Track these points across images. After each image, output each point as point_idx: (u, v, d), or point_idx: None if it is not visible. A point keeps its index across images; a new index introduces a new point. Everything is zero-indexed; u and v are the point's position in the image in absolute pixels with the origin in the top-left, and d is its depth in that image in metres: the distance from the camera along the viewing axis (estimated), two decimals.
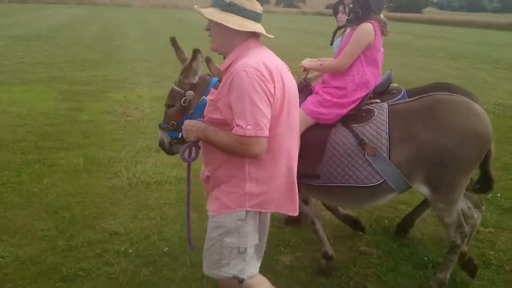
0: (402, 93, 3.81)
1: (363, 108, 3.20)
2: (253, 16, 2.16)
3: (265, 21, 2.32)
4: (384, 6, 3.85)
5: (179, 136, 2.99)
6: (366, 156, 3.00)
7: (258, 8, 2.19)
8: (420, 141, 2.94)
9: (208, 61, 3.27)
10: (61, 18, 32.74)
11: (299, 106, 2.58)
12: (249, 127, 2.01)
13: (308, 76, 3.60)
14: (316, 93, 3.26)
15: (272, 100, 2.07)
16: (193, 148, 2.42)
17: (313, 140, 3.10)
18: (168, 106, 3.08)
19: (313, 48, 18.47)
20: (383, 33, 3.25)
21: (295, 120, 2.27)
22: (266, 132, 2.05)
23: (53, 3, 55.46)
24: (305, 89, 3.35)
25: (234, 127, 2.05)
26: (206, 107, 2.28)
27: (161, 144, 3.18)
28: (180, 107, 2.98)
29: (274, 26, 31.01)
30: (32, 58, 13.45)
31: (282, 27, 32.56)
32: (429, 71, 14.30)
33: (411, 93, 3.68)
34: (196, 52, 2.77)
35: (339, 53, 3.27)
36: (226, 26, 2.10)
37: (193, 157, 2.45)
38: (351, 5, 3.21)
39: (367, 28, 3.14)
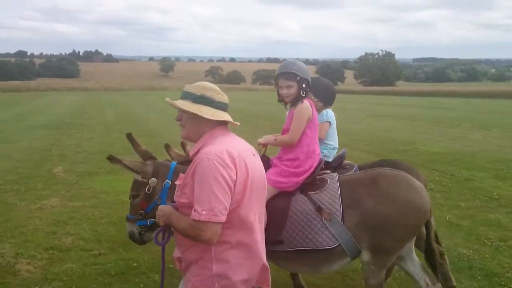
0: (354, 168, 4.33)
1: (317, 177, 3.57)
2: (222, 107, 2.41)
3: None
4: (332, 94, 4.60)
5: (148, 223, 3.26)
6: (323, 221, 3.28)
7: (225, 99, 2.46)
8: (365, 208, 3.27)
9: (167, 147, 3.72)
10: (67, 104, 33.06)
11: None
12: (204, 212, 2.12)
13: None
14: (275, 166, 3.60)
15: (232, 186, 2.19)
16: (166, 232, 2.51)
17: (276, 209, 3.34)
18: (133, 197, 3.34)
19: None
20: (317, 109, 3.81)
21: (260, 203, 2.42)
22: (221, 218, 2.14)
23: (44, 90, 56.20)
24: (265, 163, 3.56)
25: (192, 211, 2.16)
26: (176, 191, 2.42)
27: (131, 236, 3.38)
28: (145, 195, 3.24)
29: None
30: (88, 146, 13.49)
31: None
32: (482, 142, 14.57)
33: (361, 168, 4.18)
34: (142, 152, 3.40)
35: (285, 130, 3.68)
36: (197, 116, 2.32)
37: (165, 240, 2.52)
38: (297, 85, 3.57)
39: (305, 104, 3.56)
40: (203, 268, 2.26)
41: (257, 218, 2.37)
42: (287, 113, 3.81)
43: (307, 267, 3.50)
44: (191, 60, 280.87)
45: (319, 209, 3.32)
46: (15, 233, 6.14)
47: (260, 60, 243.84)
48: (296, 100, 3.58)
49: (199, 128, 2.38)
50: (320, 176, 3.59)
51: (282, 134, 3.73)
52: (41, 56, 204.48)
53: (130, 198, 3.37)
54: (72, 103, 34.31)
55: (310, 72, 3.69)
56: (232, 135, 2.43)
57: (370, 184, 3.36)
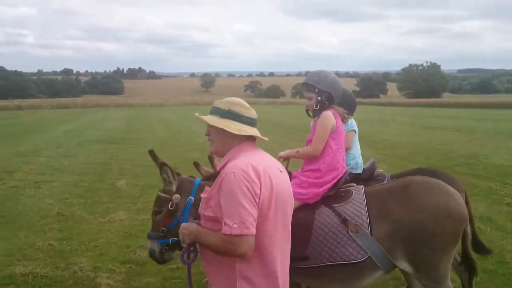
0: (387, 178, 4.14)
1: (341, 189, 3.46)
2: (250, 122, 2.40)
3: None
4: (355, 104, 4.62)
5: (170, 242, 3.15)
6: (349, 233, 3.15)
7: (253, 114, 2.44)
8: (396, 218, 3.11)
9: (196, 165, 3.77)
10: (117, 120, 33.94)
11: None
12: (235, 225, 2.10)
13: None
14: (294, 177, 3.49)
15: (257, 200, 2.17)
16: (191, 251, 2.48)
17: (299, 223, 3.14)
18: (156, 213, 3.23)
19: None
20: (343, 119, 3.65)
21: (285, 219, 2.36)
22: (253, 230, 2.13)
23: (92, 107, 57.99)
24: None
25: (223, 225, 2.14)
26: (200, 204, 2.38)
27: (152, 254, 3.26)
28: (167, 212, 3.14)
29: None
30: (145, 160, 13.47)
31: None
32: None
33: (394, 177, 3.92)
34: (161, 165, 3.13)
35: (309, 140, 3.61)
36: (225, 131, 2.33)
37: (192, 259, 2.50)
38: (318, 98, 3.56)
39: (328, 115, 3.50)
40: (229, 286, 2.26)
41: (285, 235, 2.37)
42: (311, 123, 3.78)
43: (337, 283, 3.34)
44: (230, 75, 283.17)
45: (344, 221, 3.20)
46: (89, 246, 6.15)
47: (299, 74, 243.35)
48: (318, 110, 3.56)
49: (227, 143, 2.40)
50: (345, 188, 3.49)
51: (306, 145, 3.65)
52: (86, 73, 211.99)
53: (152, 215, 3.30)
54: (121, 119, 35.16)
55: (338, 84, 3.63)
56: (259, 150, 2.43)
57: (400, 192, 3.23)
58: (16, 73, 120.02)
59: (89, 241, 6.32)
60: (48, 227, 7.00)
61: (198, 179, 3.37)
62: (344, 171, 3.55)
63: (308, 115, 3.75)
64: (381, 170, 4.45)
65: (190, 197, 3.13)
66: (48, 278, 5.09)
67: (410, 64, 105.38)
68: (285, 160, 3.79)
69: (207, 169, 3.87)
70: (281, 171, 2.40)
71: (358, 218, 3.18)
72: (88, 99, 74.10)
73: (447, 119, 31.83)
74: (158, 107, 59.63)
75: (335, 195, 3.42)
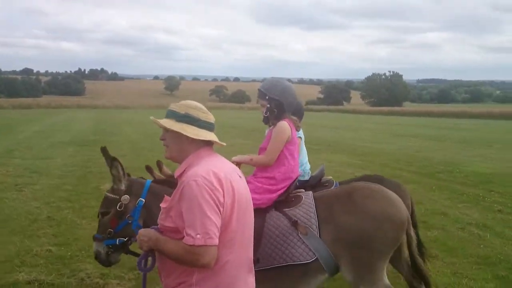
0: (335, 184, 4.25)
1: (292, 194, 3.55)
2: (207, 126, 2.33)
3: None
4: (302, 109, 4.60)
5: (117, 242, 3.11)
6: (299, 235, 3.23)
7: (211, 118, 2.37)
8: (340, 222, 3.23)
9: (149, 169, 3.68)
10: (84, 121, 33.03)
11: None
12: (198, 236, 2.04)
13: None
14: (248, 182, 3.48)
15: (221, 209, 2.12)
16: (149, 258, 2.39)
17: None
18: (103, 214, 3.17)
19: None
20: (296, 128, 3.72)
21: (247, 226, 2.32)
22: (216, 241, 2.08)
23: (55, 107, 56.33)
24: None
25: (184, 236, 2.08)
26: (160, 214, 2.30)
27: (97, 256, 3.21)
28: (115, 213, 3.10)
29: None
30: (124, 163, 13.25)
31: None
32: None
33: (342, 184, 4.04)
34: (112, 160, 3.08)
35: (262, 148, 3.66)
36: (182, 136, 2.26)
37: (150, 267, 2.41)
38: (268, 105, 3.59)
39: (284, 125, 3.55)
40: None
41: (244, 242, 2.31)
42: (266, 131, 3.76)
43: (285, 285, 3.36)
44: (195, 79, 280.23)
45: (294, 224, 3.28)
46: (89, 252, 5.86)
47: (264, 80, 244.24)
48: (268, 118, 3.60)
49: (184, 148, 2.31)
50: (294, 194, 3.57)
51: (259, 153, 3.68)
52: (46, 73, 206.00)
53: (98, 216, 3.22)
54: (88, 120, 34.34)
55: (289, 93, 3.62)
56: (217, 156, 2.36)
57: (345, 198, 3.35)
58: None
59: (88, 247, 6.03)
60: (41, 231, 6.68)
61: (149, 180, 3.33)
62: (295, 178, 3.62)
63: (263, 121, 3.74)
64: (330, 177, 4.51)
65: (141, 198, 3.12)
66: (55, 286, 4.87)
67: (373, 73, 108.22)
68: (237, 165, 3.68)
69: (158, 174, 3.81)
70: (240, 177, 2.36)
71: (308, 221, 3.27)
72: (51, 99, 71.80)
73: (413, 127, 32.72)
74: (123, 109, 58.41)
75: (285, 200, 3.49)
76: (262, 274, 3.20)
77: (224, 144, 2.39)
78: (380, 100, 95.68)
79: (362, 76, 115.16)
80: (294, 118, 3.73)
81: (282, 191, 3.51)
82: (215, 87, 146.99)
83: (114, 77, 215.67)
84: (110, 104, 64.84)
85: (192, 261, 2.08)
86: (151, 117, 2.42)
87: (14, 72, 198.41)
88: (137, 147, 17.41)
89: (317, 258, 3.20)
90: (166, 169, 3.76)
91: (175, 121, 2.28)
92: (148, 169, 3.75)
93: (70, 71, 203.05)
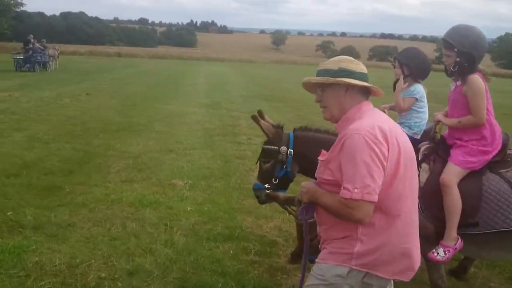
0: None
1: (506, 154, 3.34)
2: (363, 78, 2.24)
3: None
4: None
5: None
6: None
7: (364, 69, 2.28)
8: None
9: (261, 114, 3.65)
10: (227, 75, 33.33)
11: (447, 158, 3.34)
12: (356, 190, 2.01)
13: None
14: (460, 146, 3.36)
15: (385, 163, 2.06)
16: (309, 208, 2.38)
17: (468, 190, 3.20)
18: (264, 163, 3.58)
19: None
20: (487, 80, 3.39)
21: (413, 181, 2.23)
22: (374, 197, 2.02)
23: (186, 59, 57.72)
24: (442, 142, 3.53)
25: (342, 189, 2.04)
26: (318, 167, 2.30)
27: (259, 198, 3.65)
28: (276, 163, 3.53)
29: None
30: None
31: None
32: None
33: None
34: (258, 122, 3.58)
35: (451, 106, 3.50)
36: (341, 91, 2.23)
37: (310, 216, 2.39)
38: (457, 59, 3.30)
39: (479, 80, 3.29)
40: (346, 243, 2.16)
41: (409, 201, 2.20)
42: (452, 86, 3.52)
43: (501, 251, 3.34)
44: (300, 33, 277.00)
45: None
46: None
47: (373, 36, 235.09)
48: (461, 73, 3.35)
49: (344, 104, 2.25)
50: (510, 154, 3.39)
51: (449, 109, 3.56)
52: (160, 24, 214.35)
53: (259, 164, 3.63)
54: (220, 75, 34.40)
55: (482, 43, 3.34)
56: (378, 110, 2.31)
57: None
58: (96, 19, 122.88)
59: None
60: None
61: (291, 132, 3.59)
62: (501, 135, 3.42)
63: (446, 73, 3.52)
64: None
65: (290, 149, 3.48)
66: None
67: (506, 33, 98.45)
68: (437, 123, 3.62)
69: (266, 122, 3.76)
70: (402, 132, 2.28)
71: None
72: (181, 51, 73.61)
73: None
74: (245, 63, 58.32)
75: (501, 160, 3.35)
76: (483, 238, 3.24)
77: (383, 93, 2.30)
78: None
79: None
80: (484, 69, 3.44)
81: (495, 151, 3.33)
82: (321, 42, 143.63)
83: (224, 30, 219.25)
84: (234, 58, 64.98)
85: (345, 215, 2.08)
86: (305, 79, 2.35)
87: (130, 21, 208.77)
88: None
89: None
90: (267, 118, 3.76)
91: (329, 77, 2.23)
92: (259, 115, 3.69)
93: (182, 23, 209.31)
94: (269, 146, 3.52)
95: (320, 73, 2.29)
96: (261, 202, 3.68)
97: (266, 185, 3.57)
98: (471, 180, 3.26)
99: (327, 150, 3.20)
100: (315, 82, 2.30)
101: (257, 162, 3.71)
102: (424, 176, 3.35)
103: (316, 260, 2.30)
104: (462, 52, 3.27)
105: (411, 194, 2.22)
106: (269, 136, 3.57)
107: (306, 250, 2.55)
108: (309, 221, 2.46)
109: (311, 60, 68.65)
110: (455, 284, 4.13)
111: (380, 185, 2.04)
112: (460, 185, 3.22)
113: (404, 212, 2.17)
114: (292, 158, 3.50)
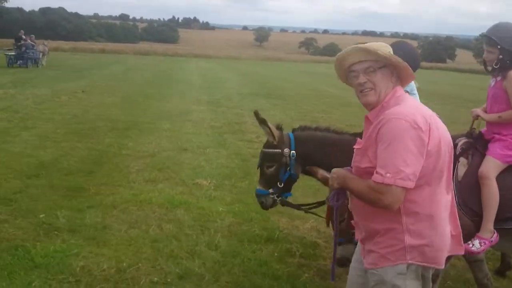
0: None
1: None
2: None
3: None
4: None
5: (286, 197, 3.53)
6: None
7: None
8: None
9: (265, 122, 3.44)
10: (215, 71, 33.15)
11: (485, 152, 3.28)
12: (388, 174, 1.96)
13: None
14: (499, 140, 3.35)
15: (424, 150, 2.00)
16: (340, 194, 2.37)
17: (506, 184, 3.18)
18: (267, 167, 3.42)
19: None
20: None
21: (450, 168, 2.21)
22: (406, 183, 1.97)
23: (171, 55, 57.38)
24: (480, 137, 3.48)
25: (374, 173, 2.00)
26: (354, 156, 2.25)
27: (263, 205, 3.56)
28: (280, 166, 3.38)
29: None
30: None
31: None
32: None
33: None
34: (261, 122, 3.39)
35: (492, 101, 3.48)
36: (388, 75, 2.16)
37: (340, 202, 2.37)
38: (500, 56, 3.32)
39: None
40: (393, 239, 2.10)
41: (446, 186, 2.18)
42: (492, 82, 3.52)
43: None
44: (283, 30, 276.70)
45: None
46: None
47: (355, 33, 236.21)
48: (501, 69, 3.34)
49: (388, 88, 2.18)
50: None
51: (488, 104, 3.53)
52: (141, 20, 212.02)
53: (261, 169, 3.49)
54: (211, 71, 34.27)
55: None
56: (411, 97, 2.27)
57: None
58: (76, 15, 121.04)
59: None
60: None
61: (290, 133, 3.47)
62: None
63: (485, 69, 3.53)
64: None
65: (292, 151, 3.36)
66: None
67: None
68: (476, 119, 3.59)
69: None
70: (440, 119, 2.22)
71: None
72: (165, 47, 72.98)
73: None
74: (228, 59, 58.19)
75: None
76: None
77: (414, 76, 2.30)
78: None
79: (460, 32, 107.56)
80: None
81: None
82: (304, 39, 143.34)
83: (206, 26, 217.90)
84: (214, 54, 64.56)
85: (374, 199, 2.04)
86: (365, 45, 2.18)
87: (111, 17, 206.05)
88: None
89: None
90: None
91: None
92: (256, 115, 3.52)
93: (163, 19, 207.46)
94: (271, 150, 3.38)
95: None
96: (266, 208, 3.58)
97: (270, 190, 3.47)
98: (509, 174, 3.25)
99: (329, 148, 3.14)
100: (379, 57, 2.14)
101: (258, 167, 3.56)
102: (462, 170, 3.30)
103: (365, 266, 2.24)
104: (505, 50, 3.29)
105: (447, 180, 2.20)
106: (275, 139, 3.40)
107: (336, 233, 2.54)
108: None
109: (295, 57, 68.84)
110: (503, 284, 4.13)
111: (417, 171, 1.99)
112: (498, 179, 3.21)
113: (444, 199, 2.17)
114: (295, 160, 3.40)
